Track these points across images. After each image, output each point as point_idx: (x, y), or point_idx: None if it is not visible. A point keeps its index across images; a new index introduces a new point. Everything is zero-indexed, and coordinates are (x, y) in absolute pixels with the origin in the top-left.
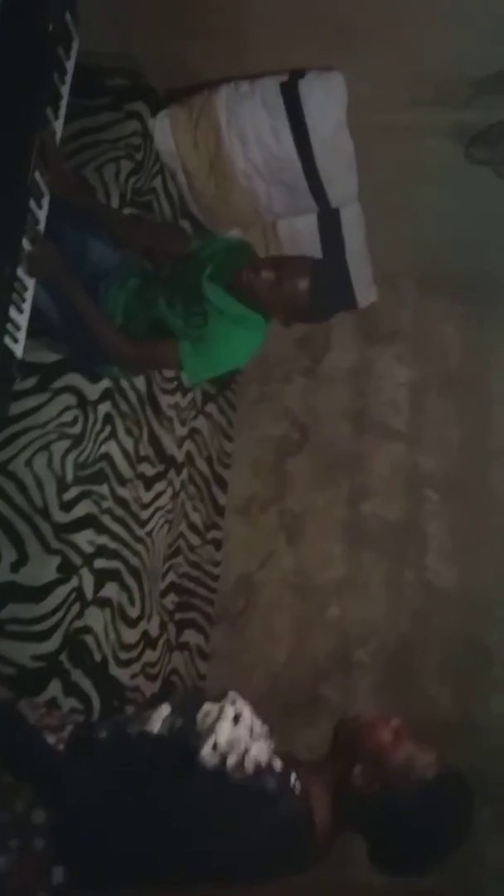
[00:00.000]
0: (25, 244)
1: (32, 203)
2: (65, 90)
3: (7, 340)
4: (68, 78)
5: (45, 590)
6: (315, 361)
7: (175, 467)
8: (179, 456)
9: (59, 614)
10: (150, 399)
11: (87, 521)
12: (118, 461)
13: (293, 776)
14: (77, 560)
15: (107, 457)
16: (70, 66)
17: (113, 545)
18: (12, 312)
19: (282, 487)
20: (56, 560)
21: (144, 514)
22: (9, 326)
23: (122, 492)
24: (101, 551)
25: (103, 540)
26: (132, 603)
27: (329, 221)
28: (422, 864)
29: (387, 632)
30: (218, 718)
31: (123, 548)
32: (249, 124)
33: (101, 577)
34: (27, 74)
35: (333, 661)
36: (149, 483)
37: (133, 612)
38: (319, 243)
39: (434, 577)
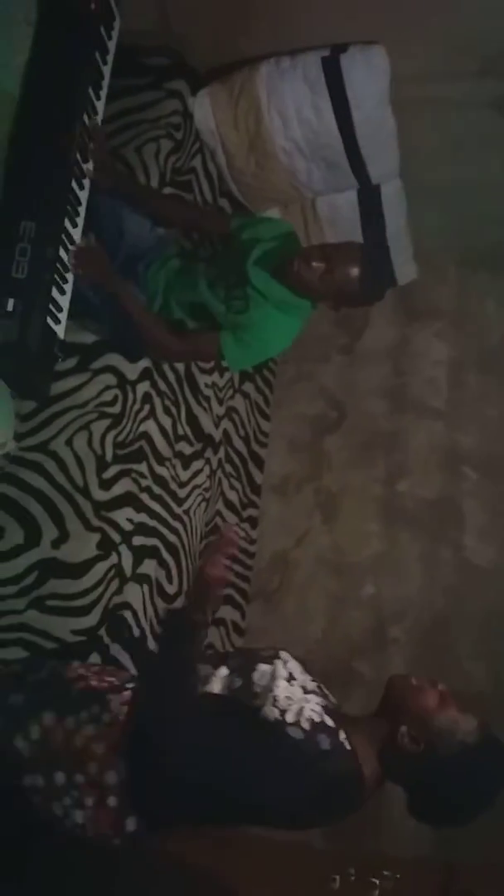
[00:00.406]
0: (68, 226)
1: (74, 184)
2: (106, 70)
3: (49, 321)
4: (110, 58)
5: (85, 566)
6: (353, 339)
7: (212, 446)
8: (217, 435)
9: (99, 590)
10: (188, 378)
11: (127, 499)
12: (157, 440)
13: (342, 734)
14: (116, 537)
15: (145, 435)
16: (112, 45)
17: (151, 523)
18: (55, 293)
19: (318, 466)
20: (96, 537)
21: (182, 493)
22: (51, 307)
23: (161, 470)
24: (140, 528)
25: (142, 517)
26: (170, 580)
27: (369, 198)
28: (455, 819)
29: (422, 609)
30: (274, 678)
31: (161, 525)
32: (290, 101)
33: (140, 554)
34: (70, 55)
35: (368, 637)
36: (186, 462)
37: (171, 589)
38: (359, 220)
39: (471, 555)
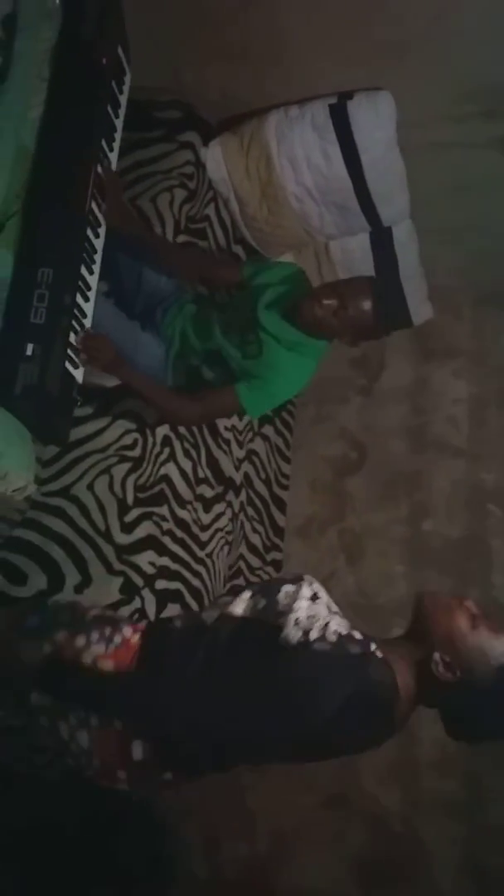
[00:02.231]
0: (84, 273)
1: (90, 232)
2: (119, 123)
3: (68, 366)
4: (122, 111)
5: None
6: (371, 380)
7: (233, 489)
8: (237, 478)
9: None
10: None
11: (149, 543)
12: (177, 483)
13: (374, 644)
14: (139, 581)
15: (166, 479)
16: (123, 99)
17: (174, 566)
18: (73, 338)
19: (341, 507)
20: (119, 581)
21: (204, 536)
22: (69, 352)
23: (182, 513)
24: (163, 572)
25: (164, 561)
26: None
27: (382, 240)
28: (495, 737)
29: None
30: (297, 597)
31: (184, 569)
32: (300, 148)
33: (163, 598)
34: (82, 108)
35: None
36: (208, 505)
37: None
38: (372, 262)
39: (500, 594)
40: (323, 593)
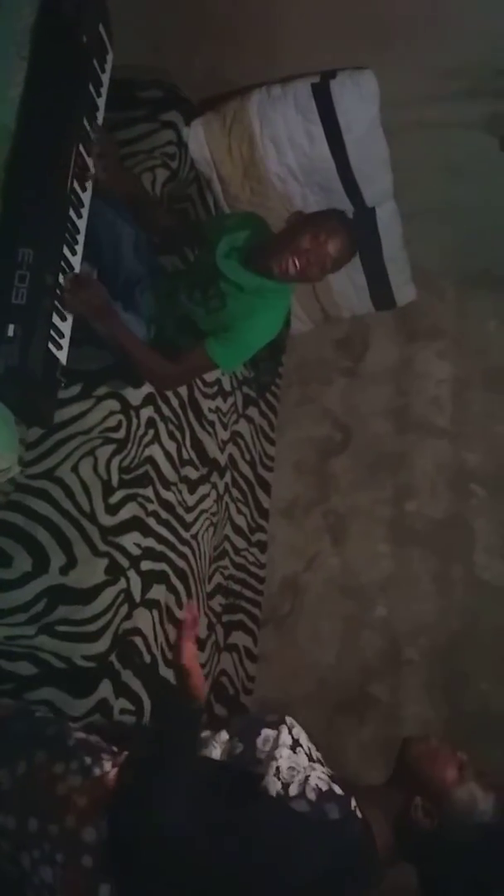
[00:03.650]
0: (67, 253)
1: (72, 212)
2: (101, 102)
3: (51, 347)
4: (104, 90)
5: (94, 592)
6: (355, 361)
7: (218, 470)
8: (222, 459)
9: (108, 616)
10: (191, 403)
11: (133, 524)
12: (162, 464)
13: (353, 801)
14: (124, 562)
15: (151, 460)
16: (105, 78)
17: (159, 547)
18: (56, 320)
19: (325, 488)
20: (104, 563)
21: (189, 517)
22: (52, 333)
23: (167, 495)
24: (148, 553)
25: (149, 542)
26: (179, 605)
27: (365, 221)
28: None
29: (436, 629)
30: (277, 745)
31: (169, 550)
32: (282, 127)
33: (149, 579)
34: (64, 87)
35: (383, 660)
36: (192, 486)
37: (181, 614)
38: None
39: (483, 573)
40: (303, 737)
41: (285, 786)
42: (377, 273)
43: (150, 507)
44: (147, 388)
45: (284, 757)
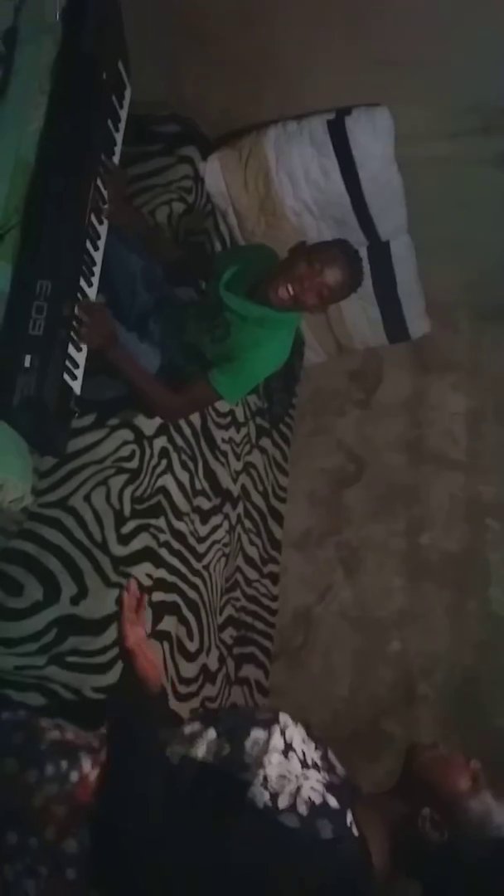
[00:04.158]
0: (83, 285)
1: (88, 245)
2: (118, 137)
3: (66, 377)
4: (122, 125)
5: (105, 622)
6: (369, 393)
7: (231, 501)
8: (235, 490)
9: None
10: (204, 433)
11: (145, 555)
12: (175, 494)
13: (349, 816)
14: None
15: (163, 490)
16: (123, 114)
17: (171, 578)
18: (71, 350)
19: (338, 520)
20: (115, 593)
21: (201, 548)
22: (67, 363)
23: (179, 525)
24: (159, 584)
25: (161, 573)
26: (190, 637)
27: (379, 254)
28: None
29: (451, 664)
30: (267, 750)
31: (181, 581)
32: (298, 163)
33: (160, 610)
34: (83, 122)
35: (396, 695)
36: (205, 517)
37: (192, 646)
38: (370, 276)
39: (498, 608)
40: (297, 740)
41: (273, 797)
42: (391, 305)
43: (163, 537)
44: (160, 419)
45: (274, 763)
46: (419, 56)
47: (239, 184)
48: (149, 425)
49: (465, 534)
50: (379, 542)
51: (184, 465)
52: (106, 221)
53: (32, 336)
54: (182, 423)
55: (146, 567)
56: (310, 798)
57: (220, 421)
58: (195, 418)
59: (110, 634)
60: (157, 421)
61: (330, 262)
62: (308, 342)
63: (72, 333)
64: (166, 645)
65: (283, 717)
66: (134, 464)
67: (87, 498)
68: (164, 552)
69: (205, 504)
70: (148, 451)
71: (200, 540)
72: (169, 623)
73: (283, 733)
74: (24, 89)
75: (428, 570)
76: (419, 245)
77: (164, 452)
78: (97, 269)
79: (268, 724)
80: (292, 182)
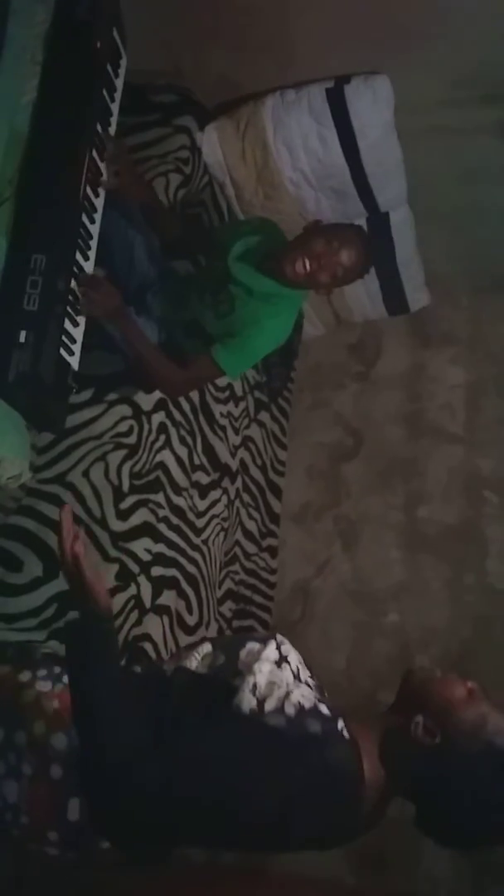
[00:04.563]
0: (79, 259)
1: (84, 218)
2: (114, 107)
3: (63, 352)
4: (117, 95)
5: None
6: (368, 366)
7: (229, 476)
8: (233, 464)
9: (119, 622)
10: (203, 408)
11: (144, 530)
12: (173, 470)
13: (340, 723)
14: (135, 568)
15: (162, 466)
16: (119, 83)
17: (170, 553)
18: (67, 325)
19: (337, 494)
20: (114, 568)
21: (200, 523)
22: (64, 339)
23: (178, 500)
24: (159, 559)
25: (160, 548)
26: (190, 611)
27: (379, 225)
28: (467, 838)
29: (448, 637)
30: (259, 658)
31: (180, 556)
32: (296, 132)
33: (159, 585)
34: (77, 92)
35: (394, 667)
36: (204, 491)
37: (191, 620)
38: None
39: (496, 581)
40: (293, 656)
41: (260, 702)
42: (390, 278)
43: (161, 512)
44: (158, 393)
45: (265, 672)
46: (419, 24)
47: (236, 154)
48: (147, 401)
49: (463, 507)
50: (377, 516)
51: (182, 441)
52: (102, 193)
53: (27, 311)
54: (181, 397)
55: (145, 542)
56: (299, 703)
57: (219, 395)
58: (194, 393)
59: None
60: (156, 396)
61: (347, 243)
62: (307, 315)
63: (68, 308)
64: (166, 619)
65: (282, 637)
66: (132, 439)
67: (85, 473)
68: (162, 527)
69: (203, 479)
70: (146, 427)
71: (199, 515)
72: (168, 597)
73: (278, 647)
74: (16, 60)
75: (426, 543)
76: (419, 216)
77: (162, 428)
78: (93, 243)
79: (265, 639)
80: (290, 152)
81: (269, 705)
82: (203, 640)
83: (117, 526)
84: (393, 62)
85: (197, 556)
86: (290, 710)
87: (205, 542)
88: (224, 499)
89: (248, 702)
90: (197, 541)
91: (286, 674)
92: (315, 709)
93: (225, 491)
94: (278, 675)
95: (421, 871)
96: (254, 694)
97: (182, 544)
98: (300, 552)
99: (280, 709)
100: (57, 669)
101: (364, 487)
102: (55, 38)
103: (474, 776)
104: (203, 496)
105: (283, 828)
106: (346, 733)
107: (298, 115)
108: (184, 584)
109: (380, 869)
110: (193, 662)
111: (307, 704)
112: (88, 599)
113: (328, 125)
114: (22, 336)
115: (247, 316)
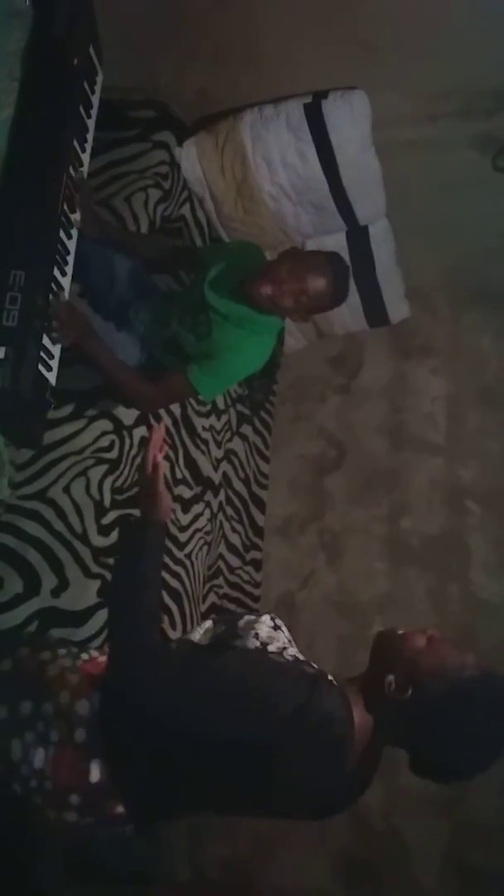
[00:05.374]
0: (57, 274)
1: (62, 234)
2: (91, 123)
3: (41, 368)
4: (94, 111)
5: (86, 614)
6: (349, 378)
7: (212, 489)
8: (216, 478)
9: (101, 638)
10: (185, 422)
11: None
12: None
13: (329, 676)
14: None
15: None
16: (95, 99)
17: None
18: (46, 341)
19: (320, 506)
20: (96, 584)
21: (183, 537)
22: (42, 354)
23: None
24: None
25: None
26: (173, 626)
27: (358, 239)
28: (459, 770)
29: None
30: (258, 621)
31: (162, 570)
32: (275, 147)
33: None
34: (54, 108)
35: None
36: (186, 505)
37: (174, 635)
38: (349, 261)
39: (479, 591)
40: (284, 629)
41: (264, 644)
42: (371, 290)
43: None
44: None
45: (264, 630)
46: (397, 39)
47: (215, 169)
48: (128, 415)
49: (446, 518)
50: (361, 527)
51: (164, 455)
52: (79, 210)
53: (6, 327)
54: (162, 411)
55: None
56: (294, 654)
57: (201, 409)
58: (175, 407)
59: (92, 625)
60: (137, 411)
61: (313, 269)
62: (288, 328)
63: (47, 324)
64: None
65: (273, 614)
66: (113, 454)
67: (66, 489)
68: None
69: (186, 493)
70: (128, 441)
71: (182, 529)
72: None
73: (272, 619)
74: None
75: (409, 554)
76: (398, 229)
77: (144, 442)
78: (71, 259)
79: (258, 613)
80: (269, 167)
81: (272, 648)
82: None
83: (99, 541)
84: (370, 77)
85: (180, 570)
86: (288, 656)
87: (188, 556)
88: (207, 512)
89: (252, 642)
90: (180, 555)
91: (281, 635)
92: (308, 662)
93: (208, 504)
94: (274, 635)
95: (409, 884)
96: (257, 638)
97: (165, 559)
98: (284, 565)
99: (280, 653)
100: (74, 649)
101: (347, 499)
102: (32, 54)
103: (449, 715)
104: (186, 510)
105: (276, 758)
106: (335, 682)
107: (277, 130)
108: (167, 599)
109: (368, 882)
110: (196, 635)
111: (301, 657)
112: (153, 507)
113: (306, 140)
114: (1, 353)
115: (224, 340)
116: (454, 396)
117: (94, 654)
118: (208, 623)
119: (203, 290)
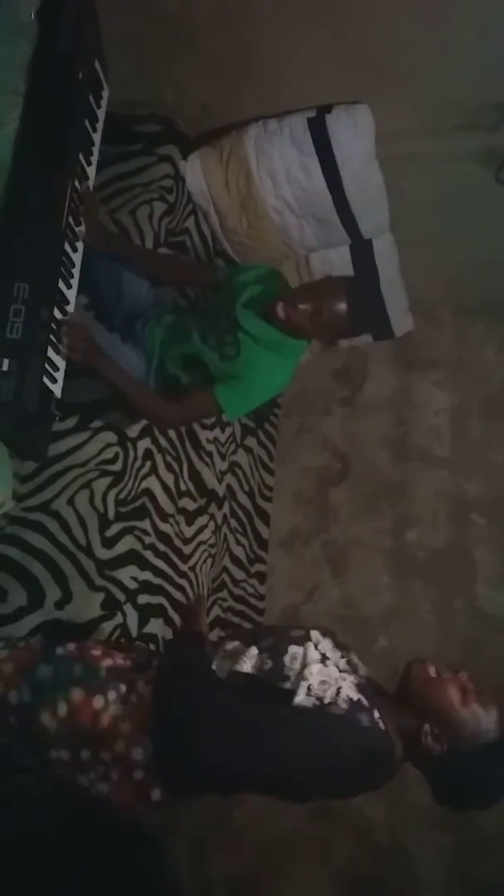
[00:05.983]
0: (62, 287)
1: (67, 246)
2: (96, 137)
3: (46, 380)
4: (100, 125)
5: (90, 627)
6: (354, 391)
7: (216, 501)
8: (220, 490)
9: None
10: (189, 434)
11: (130, 557)
12: (159, 496)
13: (376, 713)
14: (121, 596)
15: (148, 492)
16: (101, 113)
17: (156, 581)
18: (51, 353)
19: (325, 519)
20: (100, 597)
21: (187, 549)
22: (48, 367)
23: (164, 527)
24: (145, 587)
25: (146, 576)
26: None
27: (362, 252)
28: (477, 806)
29: (439, 661)
30: (307, 663)
31: (167, 583)
32: (279, 161)
33: (146, 613)
34: (59, 122)
35: None
36: (190, 518)
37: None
38: (353, 274)
39: (485, 604)
40: (329, 650)
41: (319, 699)
42: (375, 303)
43: (148, 539)
44: (144, 420)
45: (315, 673)
46: (400, 53)
47: (220, 183)
48: (132, 427)
49: (450, 531)
50: (365, 540)
51: (168, 467)
52: (85, 223)
53: (10, 339)
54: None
55: (131, 570)
56: (348, 696)
57: (205, 421)
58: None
59: (95, 638)
60: (141, 423)
61: (326, 291)
62: None
63: (51, 336)
64: (152, 647)
65: (315, 634)
66: (117, 466)
67: (70, 501)
68: (149, 554)
69: (190, 505)
70: (132, 453)
71: (186, 541)
72: (155, 625)
73: (316, 647)
74: None
75: (414, 567)
76: (402, 242)
77: (148, 454)
78: (76, 271)
79: (302, 640)
80: (273, 181)
81: (327, 700)
82: (250, 641)
83: (103, 554)
84: (375, 91)
85: (184, 583)
86: (343, 704)
87: (192, 568)
88: (211, 525)
89: (307, 702)
90: (184, 567)
91: (332, 670)
92: (360, 702)
93: (212, 517)
94: (327, 673)
95: None
96: (310, 695)
97: (169, 571)
98: (289, 578)
99: (335, 702)
100: (122, 688)
101: (352, 512)
102: (37, 69)
103: (477, 776)
104: (190, 522)
105: (326, 787)
106: (381, 724)
107: (281, 144)
108: (170, 612)
109: None
110: (246, 666)
111: (354, 697)
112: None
113: (310, 154)
114: (5, 364)
115: (251, 361)
116: (458, 409)
117: (141, 687)
118: (254, 651)
119: (235, 310)
